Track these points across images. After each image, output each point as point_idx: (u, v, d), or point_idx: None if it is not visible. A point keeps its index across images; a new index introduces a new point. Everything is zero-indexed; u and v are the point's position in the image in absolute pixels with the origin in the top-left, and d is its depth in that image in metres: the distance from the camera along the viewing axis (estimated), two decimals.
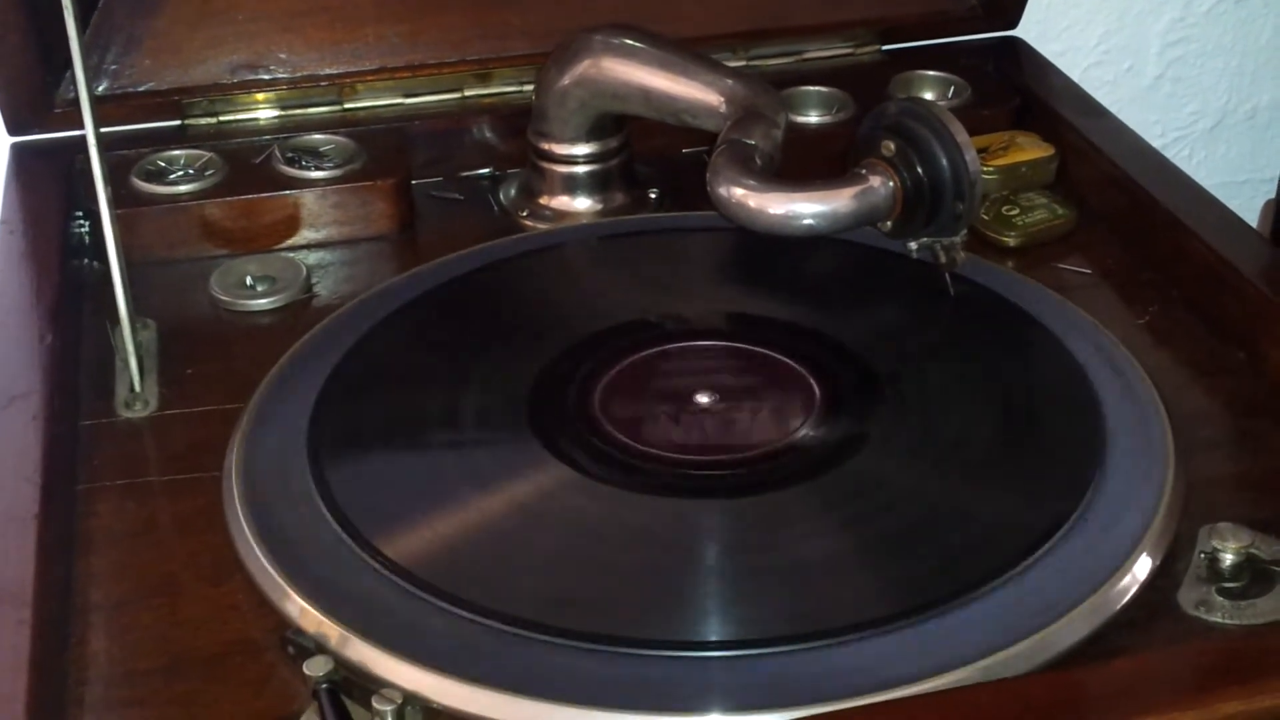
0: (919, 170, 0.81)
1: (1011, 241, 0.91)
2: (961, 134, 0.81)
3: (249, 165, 0.94)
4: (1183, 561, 0.67)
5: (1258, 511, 0.70)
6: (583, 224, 0.94)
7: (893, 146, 0.81)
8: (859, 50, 1.08)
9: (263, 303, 0.87)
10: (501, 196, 0.97)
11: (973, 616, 0.63)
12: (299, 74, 0.99)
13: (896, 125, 0.82)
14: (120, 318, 0.78)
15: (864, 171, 0.82)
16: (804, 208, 0.80)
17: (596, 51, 0.90)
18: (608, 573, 0.66)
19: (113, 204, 0.77)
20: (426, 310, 0.83)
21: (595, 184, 0.95)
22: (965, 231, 0.83)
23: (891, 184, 0.81)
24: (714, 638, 0.62)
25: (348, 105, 1.01)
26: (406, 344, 0.81)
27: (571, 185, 0.95)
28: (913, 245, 0.84)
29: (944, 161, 0.80)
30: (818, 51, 1.07)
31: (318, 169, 0.94)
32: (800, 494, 0.70)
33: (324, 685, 0.60)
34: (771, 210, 0.80)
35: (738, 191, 0.81)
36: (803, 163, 0.89)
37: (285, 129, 0.99)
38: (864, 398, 0.76)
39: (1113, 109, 1.01)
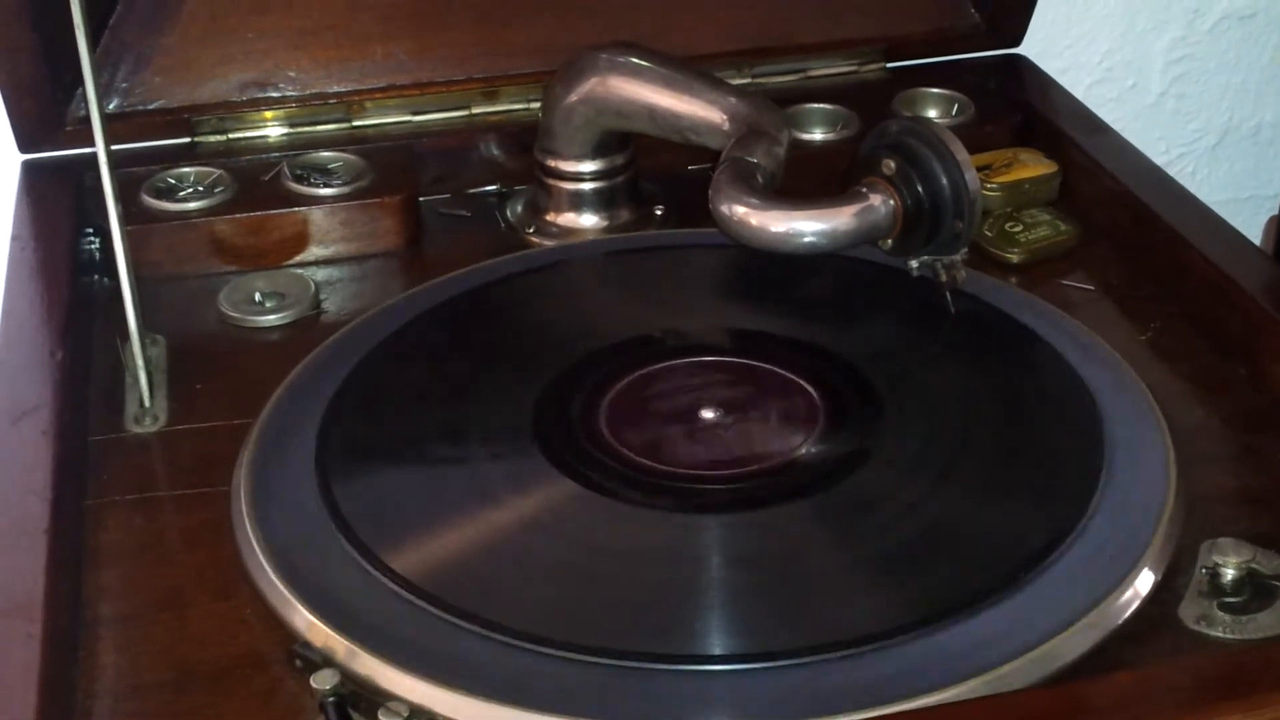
0: (919, 189, 0.81)
1: (1015, 258, 0.91)
2: (961, 153, 0.81)
3: (258, 182, 0.95)
4: (1184, 576, 0.67)
5: (1258, 526, 0.70)
6: (589, 240, 0.94)
7: (893, 165, 0.82)
8: (863, 68, 1.09)
9: (271, 319, 0.88)
10: (508, 213, 0.98)
11: (974, 631, 0.63)
12: (308, 92, 0.99)
13: (897, 144, 0.82)
14: (130, 333, 0.79)
15: (864, 190, 0.82)
16: (804, 226, 0.81)
17: (602, 69, 0.90)
18: (613, 587, 0.67)
19: (123, 221, 0.78)
20: (433, 326, 0.84)
21: (601, 201, 0.95)
22: (966, 249, 0.83)
23: (892, 202, 0.82)
24: (717, 651, 0.63)
25: (356, 123, 1.01)
26: (413, 360, 0.81)
27: (578, 202, 0.95)
28: (913, 263, 0.84)
29: (944, 180, 0.81)
30: (822, 69, 1.08)
31: (326, 186, 0.94)
32: (803, 509, 0.71)
33: (331, 699, 0.60)
34: (772, 228, 0.81)
35: (739, 209, 0.81)
36: (808, 180, 0.89)
37: (294, 146, 0.99)
38: (867, 413, 0.77)
39: (1116, 126, 1.02)
